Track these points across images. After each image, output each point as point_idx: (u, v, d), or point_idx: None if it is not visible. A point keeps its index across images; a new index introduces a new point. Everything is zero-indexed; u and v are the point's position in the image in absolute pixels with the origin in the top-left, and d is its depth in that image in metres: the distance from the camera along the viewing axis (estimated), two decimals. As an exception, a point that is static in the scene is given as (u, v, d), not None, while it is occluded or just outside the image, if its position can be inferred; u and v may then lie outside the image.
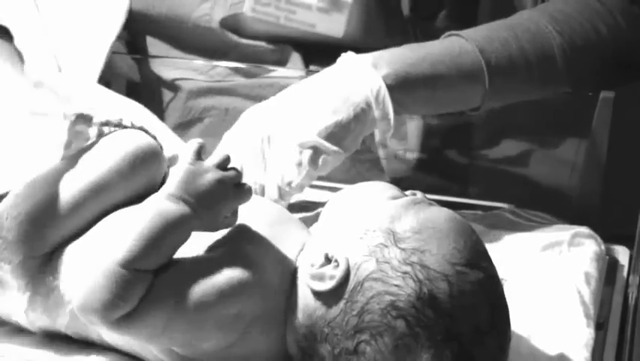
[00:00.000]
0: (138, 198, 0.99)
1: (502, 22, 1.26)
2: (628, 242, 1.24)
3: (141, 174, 1.00)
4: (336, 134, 1.13)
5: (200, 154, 0.93)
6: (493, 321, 0.89)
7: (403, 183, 1.26)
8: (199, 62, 1.42)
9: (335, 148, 1.12)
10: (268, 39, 1.41)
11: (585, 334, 1.05)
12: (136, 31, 1.45)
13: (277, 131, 1.13)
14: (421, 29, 1.37)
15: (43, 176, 0.99)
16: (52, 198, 0.98)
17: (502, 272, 0.93)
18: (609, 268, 1.21)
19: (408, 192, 0.99)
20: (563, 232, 1.22)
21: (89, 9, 1.38)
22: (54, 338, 1.01)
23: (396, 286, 0.88)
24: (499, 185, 1.41)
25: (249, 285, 0.91)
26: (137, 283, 0.88)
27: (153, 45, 1.46)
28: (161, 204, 0.91)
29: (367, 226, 0.92)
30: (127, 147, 0.99)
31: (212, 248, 0.94)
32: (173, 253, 0.91)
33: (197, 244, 0.93)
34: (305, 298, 0.91)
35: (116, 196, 0.99)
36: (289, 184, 1.12)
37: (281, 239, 0.96)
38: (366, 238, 0.91)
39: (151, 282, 0.89)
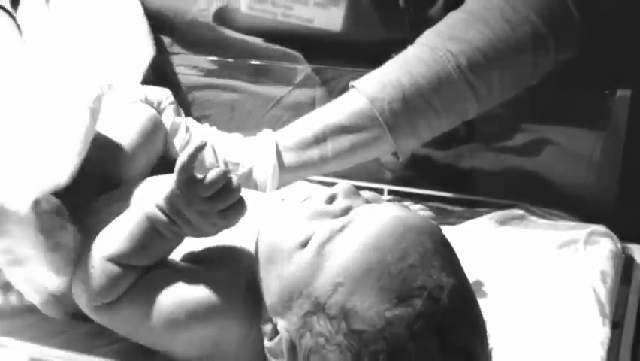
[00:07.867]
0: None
1: (398, 59, 1.25)
2: (645, 241, 1.24)
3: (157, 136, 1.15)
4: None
5: (188, 181, 0.91)
6: (446, 346, 0.84)
7: (406, 180, 1.26)
8: (199, 58, 1.42)
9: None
10: (264, 34, 1.40)
11: (601, 332, 1.04)
12: None
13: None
14: (418, 21, 1.36)
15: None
16: None
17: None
18: (625, 266, 1.20)
19: (335, 190, 0.93)
20: (579, 230, 1.22)
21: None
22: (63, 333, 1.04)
23: None
24: (514, 184, 1.40)
25: (220, 311, 0.92)
26: (123, 278, 0.93)
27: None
28: (150, 212, 0.93)
29: (292, 292, 0.88)
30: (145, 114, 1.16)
31: (199, 260, 0.95)
32: (163, 256, 0.94)
33: (193, 245, 0.95)
34: None
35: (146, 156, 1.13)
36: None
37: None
38: (295, 308, 0.88)
39: (137, 279, 0.93)
